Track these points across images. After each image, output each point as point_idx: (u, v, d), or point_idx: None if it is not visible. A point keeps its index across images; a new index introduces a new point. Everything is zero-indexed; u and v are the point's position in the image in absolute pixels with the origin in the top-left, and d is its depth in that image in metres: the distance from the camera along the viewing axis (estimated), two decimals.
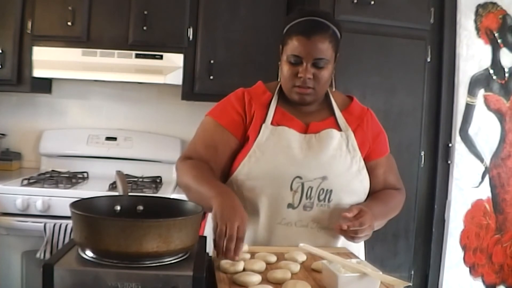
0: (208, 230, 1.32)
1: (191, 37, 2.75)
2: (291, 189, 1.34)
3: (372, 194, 1.47)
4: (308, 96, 1.40)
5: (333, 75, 1.44)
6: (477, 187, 2.72)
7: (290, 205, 1.35)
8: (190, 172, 1.36)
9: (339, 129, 1.43)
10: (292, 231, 1.35)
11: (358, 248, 1.46)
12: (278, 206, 1.34)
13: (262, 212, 1.35)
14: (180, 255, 0.98)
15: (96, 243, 0.92)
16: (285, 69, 1.39)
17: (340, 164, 1.39)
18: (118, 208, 1.11)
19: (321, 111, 1.48)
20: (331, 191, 1.36)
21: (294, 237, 1.34)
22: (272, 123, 1.40)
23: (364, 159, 1.44)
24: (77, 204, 1.00)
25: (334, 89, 1.52)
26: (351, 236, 1.30)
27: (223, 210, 1.16)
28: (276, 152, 1.36)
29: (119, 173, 1.17)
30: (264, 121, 1.40)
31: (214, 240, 1.13)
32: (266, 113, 1.41)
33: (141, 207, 1.13)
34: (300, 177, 1.34)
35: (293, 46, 1.36)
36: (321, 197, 1.36)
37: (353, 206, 1.34)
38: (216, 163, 1.40)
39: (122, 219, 1.00)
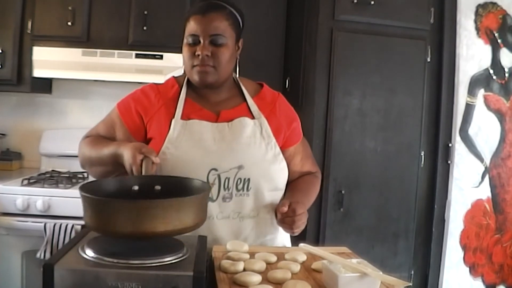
0: None
1: None
2: (208, 182, 1.32)
3: (291, 183, 1.48)
4: (209, 76, 1.35)
5: (237, 60, 1.43)
6: (477, 187, 2.72)
7: (210, 199, 1.32)
8: (88, 145, 1.40)
9: (252, 117, 1.41)
10: (214, 224, 1.34)
11: (283, 240, 1.47)
12: None
13: None
14: (180, 255, 0.98)
15: (93, 221, 0.96)
16: (184, 51, 1.36)
17: (255, 151, 1.37)
18: (136, 188, 1.12)
19: (232, 99, 1.44)
20: (248, 179, 1.35)
21: (217, 230, 1.34)
22: (182, 117, 1.37)
23: (281, 148, 1.43)
24: (96, 184, 1.04)
25: (237, 75, 1.49)
26: (290, 227, 1.33)
27: (134, 145, 1.22)
28: (189, 147, 1.33)
29: (146, 159, 1.18)
30: (173, 116, 1.37)
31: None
32: (176, 107, 1.38)
33: (158, 187, 1.14)
34: (215, 169, 1.32)
35: (190, 26, 1.34)
36: (239, 186, 1.35)
37: (283, 201, 1.36)
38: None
39: (114, 199, 1.00)
